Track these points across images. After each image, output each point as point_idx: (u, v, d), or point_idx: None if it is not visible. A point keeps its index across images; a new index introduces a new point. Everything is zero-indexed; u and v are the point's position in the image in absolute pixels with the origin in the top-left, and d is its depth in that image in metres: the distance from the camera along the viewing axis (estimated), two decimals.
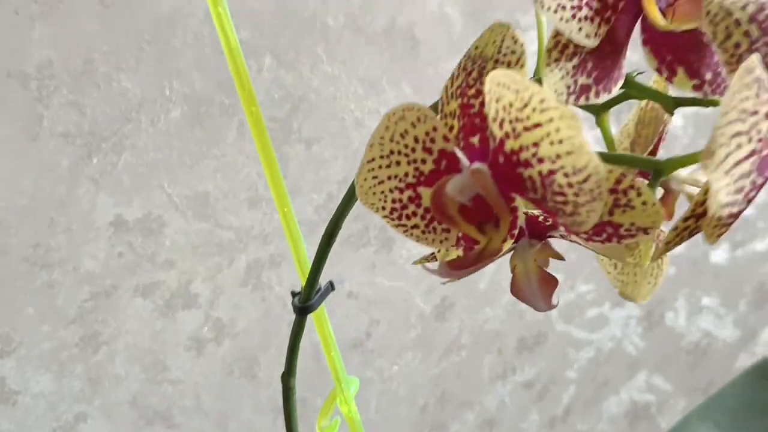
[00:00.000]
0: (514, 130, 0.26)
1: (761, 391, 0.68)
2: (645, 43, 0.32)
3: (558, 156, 0.25)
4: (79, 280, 0.72)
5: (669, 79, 0.32)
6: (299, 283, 0.79)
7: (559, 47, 0.31)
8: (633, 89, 0.34)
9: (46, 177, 0.68)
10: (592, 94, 0.30)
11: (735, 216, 0.26)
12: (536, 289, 0.38)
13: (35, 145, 0.66)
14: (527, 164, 0.26)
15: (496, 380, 1.02)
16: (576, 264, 0.99)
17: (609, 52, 0.31)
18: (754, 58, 0.25)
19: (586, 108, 0.35)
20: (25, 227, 0.68)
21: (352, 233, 0.84)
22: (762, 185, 0.26)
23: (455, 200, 0.29)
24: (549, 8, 0.29)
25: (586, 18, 0.30)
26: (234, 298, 0.80)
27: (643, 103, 0.41)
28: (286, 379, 0.48)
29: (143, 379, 0.79)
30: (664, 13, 0.30)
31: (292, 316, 0.74)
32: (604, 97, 0.31)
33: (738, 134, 0.25)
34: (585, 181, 0.25)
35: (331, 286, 0.47)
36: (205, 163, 0.73)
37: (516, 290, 0.40)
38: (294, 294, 0.47)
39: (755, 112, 0.25)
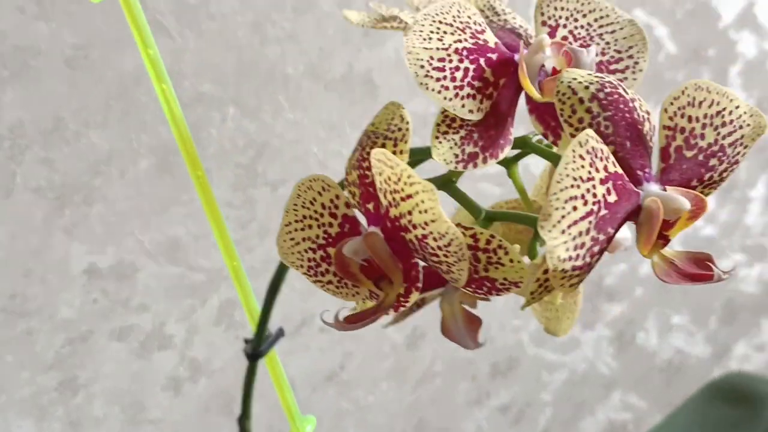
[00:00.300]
0: (394, 199, 0.30)
1: (712, 410, 0.71)
2: (530, 112, 0.35)
3: (426, 223, 0.29)
4: (56, 326, 0.75)
5: (555, 143, 0.35)
6: (272, 320, 0.82)
7: (447, 121, 0.34)
8: (530, 149, 0.37)
9: (21, 230, 0.71)
10: (479, 161, 0.34)
11: (581, 268, 0.29)
12: (462, 329, 0.42)
13: (9, 201, 0.70)
14: (407, 229, 0.30)
15: (472, 406, 1.05)
16: None
17: (494, 123, 0.34)
18: (588, 131, 0.29)
19: (498, 162, 0.39)
20: (2, 279, 0.71)
21: None
22: (608, 240, 0.29)
23: (354, 260, 0.32)
24: (433, 89, 0.33)
25: (468, 96, 0.34)
26: (208, 337, 0.83)
27: None
28: (243, 422, 0.51)
29: (123, 420, 0.81)
30: (540, 87, 0.34)
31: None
32: (491, 162, 0.34)
33: (573, 198, 0.28)
34: (449, 244, 0.29)
35: (281, 333, 0.50)
36: (175, 209, 0.77)
37: (445, 330, 0.43)
38: (246, 341, 0.51)
39: (590, 179, 0.29)
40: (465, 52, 0.34)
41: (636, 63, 0.37)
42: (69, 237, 0.73)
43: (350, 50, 0.80)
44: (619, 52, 0.37)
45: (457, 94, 0.33)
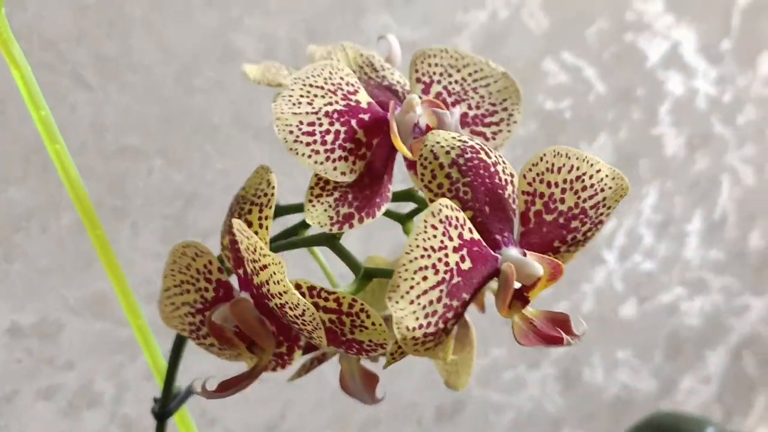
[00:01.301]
0: (254, 268, 0.30)
1: None
2: (408, 168, 0.36)
3: (280, 293, 0.29)
4: None
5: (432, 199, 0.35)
6: (207, 372, 0.80)
7: (321, 184, 0.34)
8: (416, 202, 0.37)
9: None
10: (355, 221, 0.34)
11: (435, 334, 0.29)
12: (360, 385, 0.42)
13: None
14: (268, 298, 0.30)
15: None
16: (488, 329, 1.02)
17: (369, 182, 0.34)
18: (442, 201, 0.29)
19: (391, 216, 0.39)
20: None
21: None
22: (463, 304, 0.30)
23: (226, 326, 0.32)
24: (303, 154, 0.33)
25: (339, 158, 0.33)
26: (140, 393, 0.81)
27: None
28: None
29: None
30: (411, 146, 0.34)
31: (204, 406, 0.75)
32: (368, 222, 0.34)
33: (423, 268, 0.28)
34: (303, 314, 0.29)
35: (190, 391, 0.49)
36: (100, 264, 0.75)
37: (344, 386, 0.43)
38: (156, 400, 0.49)
39: (442, 248, 0.29)
40: (336, 115, 0.33)
41: (510, 115, 0.37)
42: None
43: None
44: (493, 104, 0.37)
45: (328, 158, 0.33)
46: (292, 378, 0.45)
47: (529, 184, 0.31)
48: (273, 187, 0.32)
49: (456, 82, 0.37)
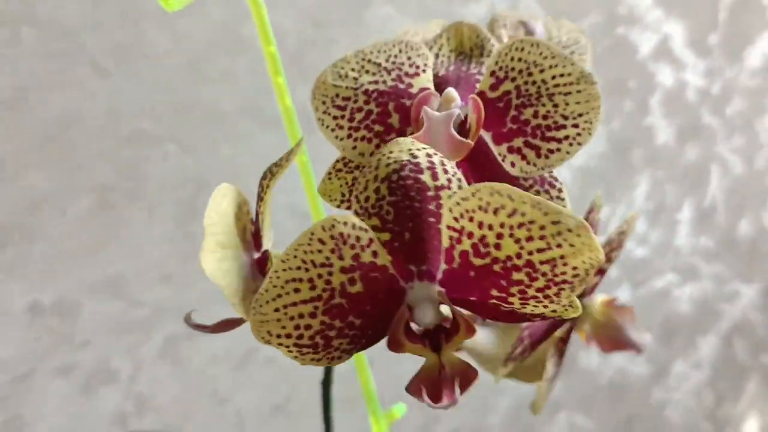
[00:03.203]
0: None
1: None
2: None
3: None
4: None
5: None
6: (217, 353, 0.83)
7: (345, 159, 0.34)
8: None
9: None
10: None
11: (313, 348, 0.28)
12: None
13: None
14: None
15: None
16: None
17: None
18: (339, 217, 0.27)
19: None
20: None
21: None
22: (351, 326, 0.28)
23: None
24: (327, 126, 0.33)
25: (363, 138, 0.32)
26: (154, 371, 0.84)
27: None
28: (325, 386, 0.50)
29: None
30: (452, 146, 0.32)
31: (215, 387, 0.77)
32: None
33: (297, 280, 0.27)
34: None
35: None
36: (116, 246, 0.78)
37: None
38: None
39: (326, 264, 0.27)
40: (375, 94, 0.32)
41: (579, 134, 0.32)
42: (9, 275, 0.74)
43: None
44: (565, 117, 0.32)
45: (350, 135, 0.32)
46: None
47: (456, 219, 0.27)
48: (287, 160, 0.33)
49: (533, 83, 0.32)
